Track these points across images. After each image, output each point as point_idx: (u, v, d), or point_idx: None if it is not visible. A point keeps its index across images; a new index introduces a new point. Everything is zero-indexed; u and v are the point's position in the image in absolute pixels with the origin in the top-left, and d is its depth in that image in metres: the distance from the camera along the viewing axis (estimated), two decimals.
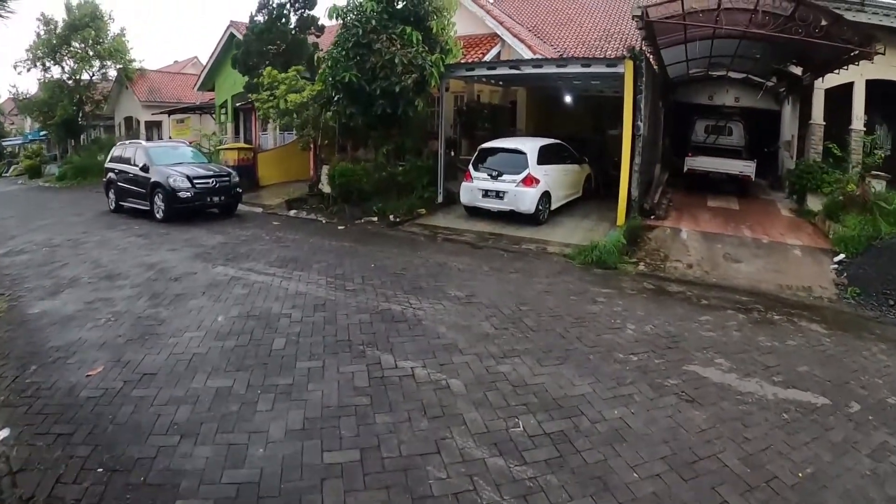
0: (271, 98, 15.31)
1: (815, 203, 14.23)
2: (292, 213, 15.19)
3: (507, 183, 12.30)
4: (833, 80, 14.86)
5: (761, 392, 5.52)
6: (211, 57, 26.92)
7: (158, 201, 14.26)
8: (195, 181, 14.08)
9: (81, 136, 37.46)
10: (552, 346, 6.43)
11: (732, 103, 19.03)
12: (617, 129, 20.71)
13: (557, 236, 11.89)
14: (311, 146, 15.88)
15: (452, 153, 16.91)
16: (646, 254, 11.00)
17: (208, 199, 14.33)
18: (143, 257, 10.38)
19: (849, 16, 12.40)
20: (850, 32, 11.24)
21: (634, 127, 12.04)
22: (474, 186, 12.79)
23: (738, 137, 17.12)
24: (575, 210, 14.02)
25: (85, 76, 34.84)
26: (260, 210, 16.20)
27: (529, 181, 12.14)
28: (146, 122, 33.87)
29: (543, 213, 12.55)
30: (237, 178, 15.29)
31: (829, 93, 15.55)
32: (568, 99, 18.99)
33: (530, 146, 12.60)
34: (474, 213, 13.18)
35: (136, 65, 35.13)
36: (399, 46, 12.67)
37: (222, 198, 14.61)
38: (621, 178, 12.16)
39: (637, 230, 11.92)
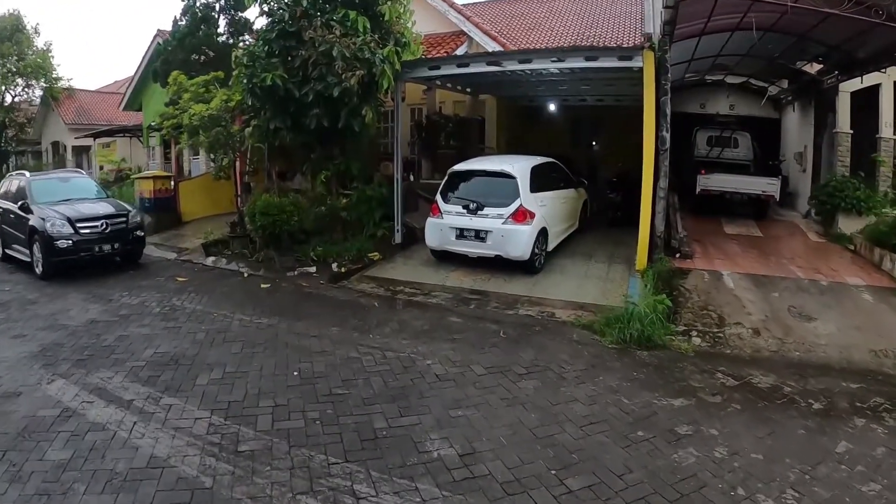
0: (178, 112, 11.11)
1: (849, 225, 11.11)
2: (210, 260, 10.99)
3: (492, 219, 8.46)
4: (857, 82, 11.74)
5: None
6: (137, 71, 22.33)
7: (36, 251, 9.94)
8: (79, 225, 9.82)
9: (7, 163, 32.00)
10: None
11: (727, 111, 15.67)
12: (599, 143, 17.48)
13: (564, 291, 8.10)
14: (233, 173, 11.69)
15: (411, 177, 13.05)
16: (694, 316, 7.36)
17: (96, 249, 9.95)
18: None
19: None
20: None
21: (658, 139, 8.41)
22: (445, 224, 8.90)
23: (745, 150, 13.76)
24: (575, 247, 10.23)
25: (7, 97, 29.77)
26: (174, 255, 11.91)
27: (522, 216, 8.32)
28: (73, 146, 28.87)
29: (540, 258, 8.75)
30: (138, 218, 11.00)
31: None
32: (551, 108, 15.38)
33: (520, 167, 8.81)
34: (444, 257, 9.30)
35: (63, 83, 30.15)
36: (339, 35, 8.74)
37: (116, 245, 10.24)
38: (642, 207, 8.50)
39: (668, 277, 8.29)
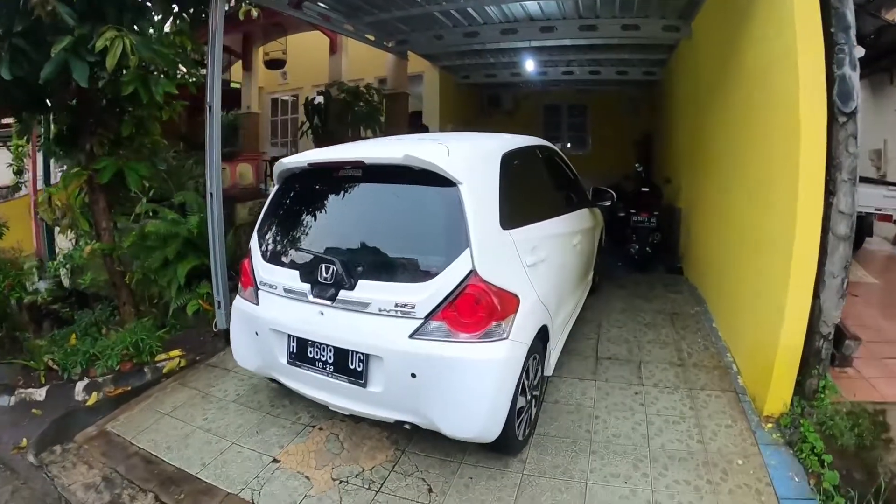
0: None
1: None
2: None
3: (382, 317, 2.54)
4: None
5: None
6: None
7: None
8: None
9: None
10: None
11: None
12: (590, 138, 12.01)
13: None
14: None
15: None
16: None
17: None
18: None
19: None
20: None
21: (835, 88, 2.91)
22: (261, 319, 2.96)
23: None
24: (594, 336, 4.39)
25: None
26: None
27: (476, 311, 2.43)
28: None
29: (529, 416, 2.89)
30: None
31: None
32: (520, 85, 9.89)
33: (466, 156, 2.72)
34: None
35: None
36: None
37: None
38: (793, 269, 2.95)
39: (855, 441, 2.83)
